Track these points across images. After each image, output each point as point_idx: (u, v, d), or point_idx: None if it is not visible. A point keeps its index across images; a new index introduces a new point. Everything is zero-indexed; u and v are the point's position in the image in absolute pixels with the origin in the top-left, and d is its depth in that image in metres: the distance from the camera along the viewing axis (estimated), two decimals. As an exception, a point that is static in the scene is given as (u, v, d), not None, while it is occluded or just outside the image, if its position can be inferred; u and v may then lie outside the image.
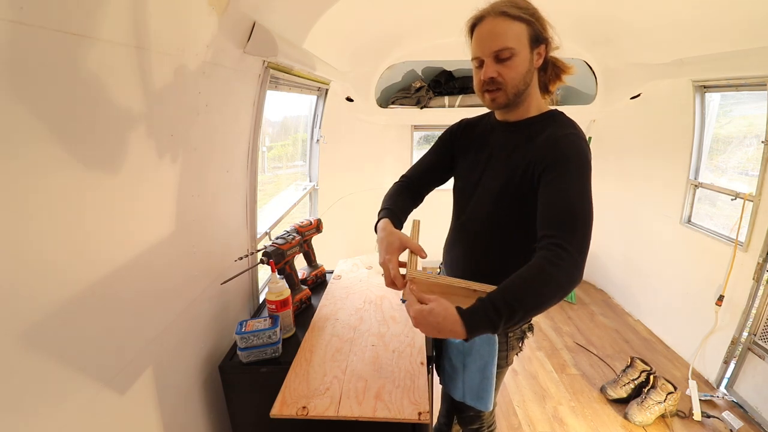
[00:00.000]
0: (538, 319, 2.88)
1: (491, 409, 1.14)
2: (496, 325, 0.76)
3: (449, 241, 1.18)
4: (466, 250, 1.10)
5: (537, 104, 0.99)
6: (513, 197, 0.96)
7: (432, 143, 1.23)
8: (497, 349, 1.07)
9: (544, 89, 1.01)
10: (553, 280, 0.76)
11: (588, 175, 0.88)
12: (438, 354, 1.25)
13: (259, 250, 1.25)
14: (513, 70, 0.90)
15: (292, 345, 1.15)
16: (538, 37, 0.91)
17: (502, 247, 1.02)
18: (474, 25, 0.94)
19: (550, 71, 0.98)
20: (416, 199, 1.18)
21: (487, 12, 0.91)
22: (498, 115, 1.06)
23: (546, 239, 0.81)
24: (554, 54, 0.98)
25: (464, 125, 1.15)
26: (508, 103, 0.95)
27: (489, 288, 0.84)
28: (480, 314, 0.76)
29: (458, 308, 0.78)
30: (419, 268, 0.98)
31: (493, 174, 1.01)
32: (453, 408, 1.39)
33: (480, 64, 0.93)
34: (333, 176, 2.89)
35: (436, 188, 1.22)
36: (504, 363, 1.13)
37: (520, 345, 1.14)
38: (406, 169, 1.21)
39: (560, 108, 3.00)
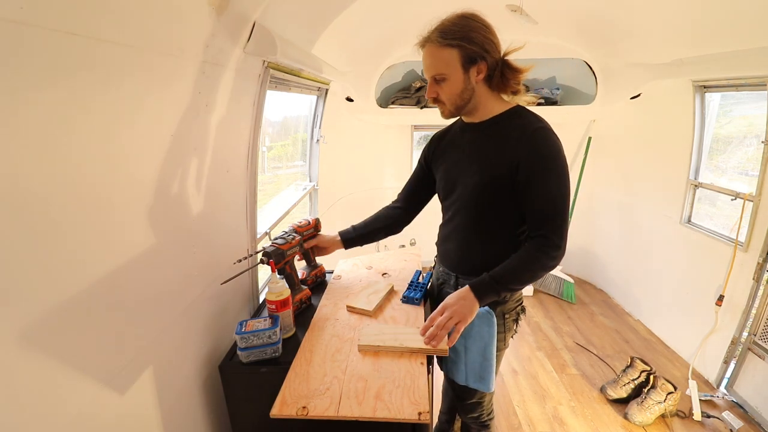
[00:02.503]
0: (538, 319, 2.89)
1: (493, 390, 1.19)
2: (498, 292, 1.03)
3: (440, 237, 1.29)
4: (454, 243, 1.21)
5: (498, 104, 1.09)
6: (490, 189, 1.06)
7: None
8: (496, 330, 1.13)
9: (502, 91, 1.09)
10: (540, 262, 1.02)
11: (563, 167, 1.01)
12: None
13: (258, 252, 1.25)
14: (447, 91, 1.04)
15: (292, 345, 1.15)
16: (472, 58, 1.00)
17: (485, 235, 1.13)
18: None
19: (497, 80, 1.04)
20: (402, 216, 1.39)
21: (426, 39, 1.03)
22: (465, 119, 1.16)
23: (535, 232, 1.03)
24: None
25: (435, 139, 1.29)
26: (452, 115, 1.10)
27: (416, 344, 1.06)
28: (486, 285, 1.03)
29: (469, 284, 1.04)
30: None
31: (470, 171, 1.11)
32: (454, 398, 1.41)
33: None
34: (333, 176, 2.89)
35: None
36: (502, 345, 1.21)
37: (515, 327, 1.22)
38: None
39: (560, 108, 2.99)
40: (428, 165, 1.29)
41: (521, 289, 1.11)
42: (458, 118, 1.19)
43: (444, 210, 1.26)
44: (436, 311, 1.04)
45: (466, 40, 0.98)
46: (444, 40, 0.98)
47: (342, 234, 1.38)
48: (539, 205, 1.02)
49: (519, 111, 1.08)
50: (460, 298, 1.02)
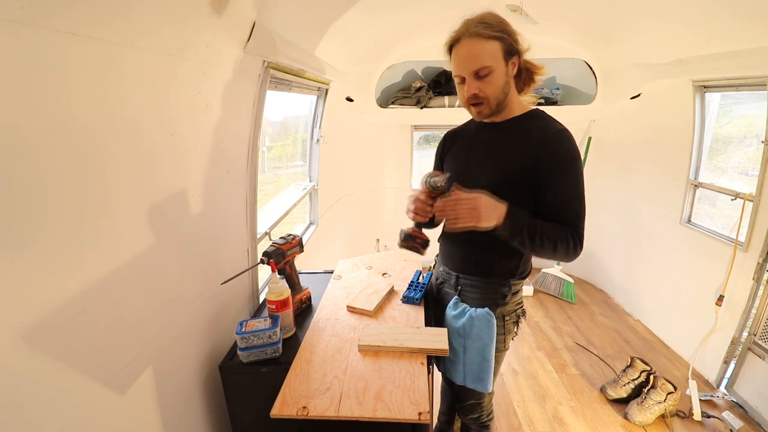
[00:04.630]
0: (538, 319, 2.88)
1: (491, 390, 1.19)
2: (520, 228, 0.98)
3: (443, 236, 1.26)
4: (458, 242, 1.19)
5: (519, 105, 1.09)
6: (503, 189, 1.03)
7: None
8: (495, 331, 1.13)
9: (520, 90, 1.10)
10: (566, 244, 1.00)
11: (581, 168, 1.03)
12: None
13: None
14: (492, 85, 1.00)
15: (292, 345, 1.15)
16: (511, 50, 1.00)
17: (491, 235, 1.07)
18: (452, 46, 1.02)
19: (525, 75, 1.07)
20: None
21: (461, 34, 0.99)
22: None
23: (565, 222, 1.01)
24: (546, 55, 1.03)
25: (449, 136, 1.26)
26: (492, 113, 1.06)
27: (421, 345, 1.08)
28: (519, 214, 0.98)
29: (509, 204, 0.99)
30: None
31: (485, 170, 1.09)
32: (453, 399, 1.41)
33: (462, 80, 1.02)
34: (333, 176, 2.89)
35: None
36: (501, 347, 1.20)
37: (515, 330, 1.21)
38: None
39: (560, 108, 2.99)
40: (443, 159, 1.26)
41: (531, 250, 1.03)
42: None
43: None
44: (475, 195, 0.97)
45: (506, 32, 0.98)
46: (489, 32, 0.96)
47: None
48: (565, 202, 1.02)
49: (539, 113, 1.09)
50: (492, 201, 0.97)
